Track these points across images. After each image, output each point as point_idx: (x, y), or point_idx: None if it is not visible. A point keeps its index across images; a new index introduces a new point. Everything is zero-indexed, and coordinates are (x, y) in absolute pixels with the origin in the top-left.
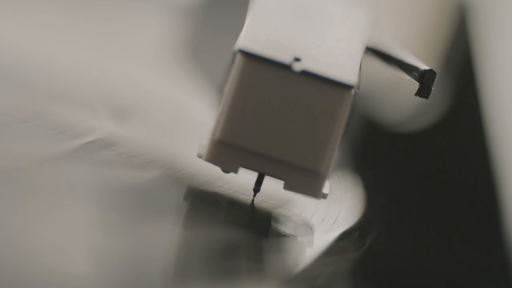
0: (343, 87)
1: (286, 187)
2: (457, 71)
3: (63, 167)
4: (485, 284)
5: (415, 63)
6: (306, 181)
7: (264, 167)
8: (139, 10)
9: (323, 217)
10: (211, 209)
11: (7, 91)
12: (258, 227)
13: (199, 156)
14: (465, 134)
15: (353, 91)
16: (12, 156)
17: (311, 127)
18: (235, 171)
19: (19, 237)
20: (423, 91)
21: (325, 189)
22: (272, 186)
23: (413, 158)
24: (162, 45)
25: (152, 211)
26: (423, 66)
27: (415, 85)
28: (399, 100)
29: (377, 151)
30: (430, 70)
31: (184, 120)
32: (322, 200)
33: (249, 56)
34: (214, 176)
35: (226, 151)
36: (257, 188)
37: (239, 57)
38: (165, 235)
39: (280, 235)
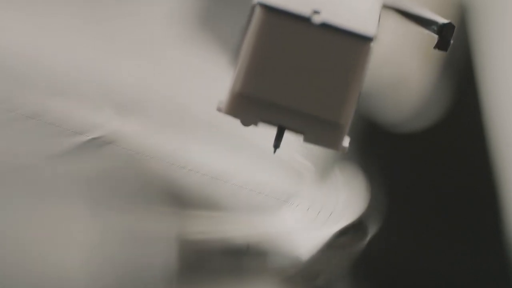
0: (362, 38)
1: (306, 139)
2: (457, 71)
3: (67, 163)
4: (485, 284)
5: (433, 17)
6: (326, 133)
7: (284, 120)
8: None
9: (324, 212)
10: (212, 208)
11: (10, 88)
12: (258, 225)
13: (219, 109)
14: (465, 134)
15: (372, 43)
16: (16, 152)
17: (330, 79)
18: (255, 124)
19: (21, 232)
20: (442, 44)
21: (345, 142)
22: (276, 180)
23: (413, 158)
24: (164, 42)
25: (155, 208)
26: (442, 20)
27: (416, 84)
28: (400, 100)
29: (377, 151)
30: (449, 23)
31: (188, 117)
32: (323, 196)
33: (268, 9)
34: (217, 173)
35: (246, 104)
36: (277, 144)
37: (258, 10)
38: (168, 233)
39: (282, 232)
